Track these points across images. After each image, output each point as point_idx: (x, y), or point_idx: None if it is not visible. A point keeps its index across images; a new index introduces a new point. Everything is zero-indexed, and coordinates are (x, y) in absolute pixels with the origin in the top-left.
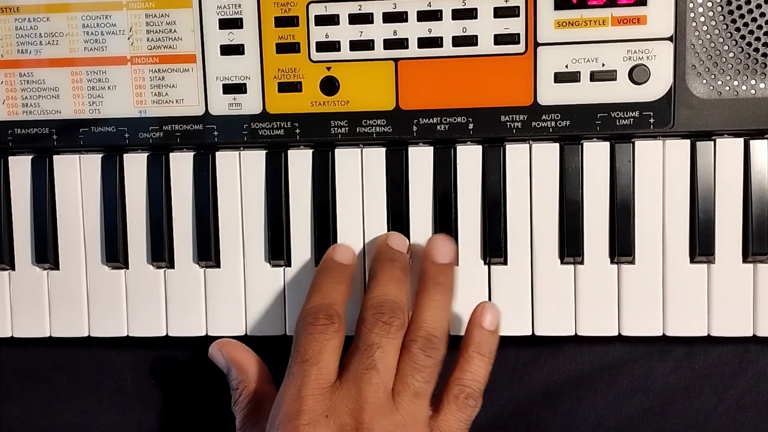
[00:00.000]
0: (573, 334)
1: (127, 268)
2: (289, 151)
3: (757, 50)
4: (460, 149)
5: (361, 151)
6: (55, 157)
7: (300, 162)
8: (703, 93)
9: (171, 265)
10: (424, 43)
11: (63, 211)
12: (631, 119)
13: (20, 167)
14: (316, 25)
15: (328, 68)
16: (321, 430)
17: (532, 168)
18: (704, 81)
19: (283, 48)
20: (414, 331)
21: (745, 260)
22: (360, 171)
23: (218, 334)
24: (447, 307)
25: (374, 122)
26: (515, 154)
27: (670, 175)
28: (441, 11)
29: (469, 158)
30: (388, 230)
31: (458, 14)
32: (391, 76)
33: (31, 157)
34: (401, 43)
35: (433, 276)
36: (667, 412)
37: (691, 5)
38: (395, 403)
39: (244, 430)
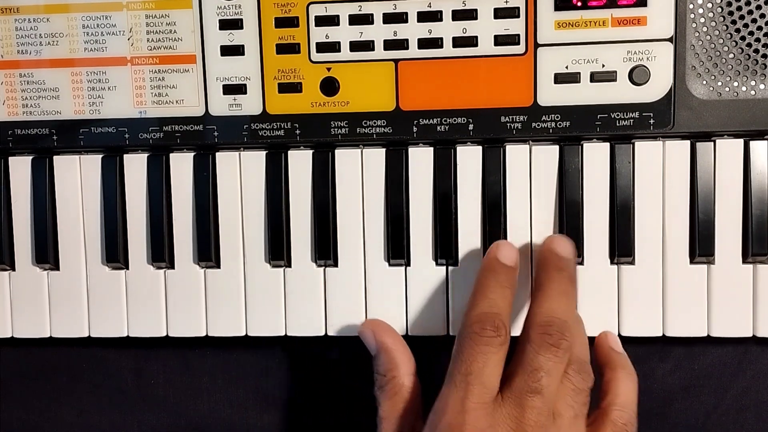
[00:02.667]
0: None
1: (128, 268)
2: (289, 152)
3: (757, 51)
4: (460, 150)
5: (361, 151)
6: (55, 157)
7: (300, 163)
8: (703, 94)
9: (171, 266)
10: (424, 43)
11: (63, 212)
12: (631, 120)
13: (20, 168)
14: (317, 25)
15: (329, 69)
16: None
17: (532, 169)
18: (704, 82)
19: (284, 49)
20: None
21: (744, 261)
22: (360, 172)
23: (218, 334)
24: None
25: (374, 123)
26: (515, 154)
27: (670, 176)
28: (441, 12)
29: (469, 159)
30: (388, 232)
31: (458, 15)
32: (391, 77)
33: (31, 157)
34: (401, 44)
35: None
36: (667, 412)
37: (691, 6)
38: (556, 425)
39: (388, 421)
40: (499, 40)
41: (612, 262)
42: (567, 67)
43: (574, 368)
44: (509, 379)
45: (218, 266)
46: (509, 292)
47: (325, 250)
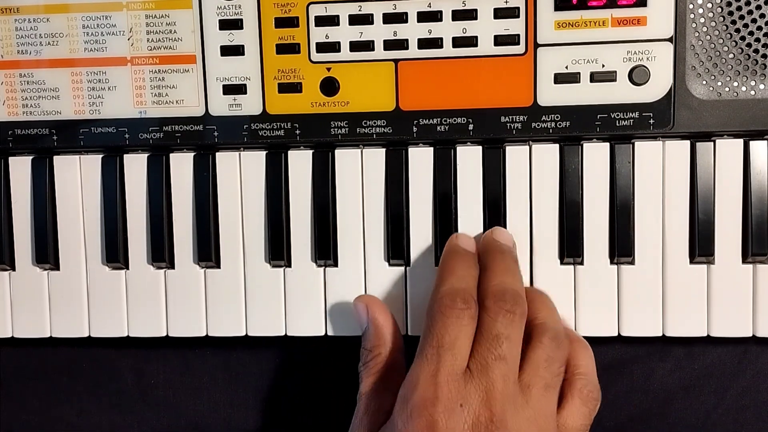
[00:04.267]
0: None
1: (128, 268)
2: (289, 152)
3: (756, 51)
4: (460, 150)
5: (361, 151)
6: (55, 157)
7: (300, 163)
8: (702, 94)
9: (171, 266)
10: (424, 44)
11: (63, 212)
12: (631, 120)
13: (20, 168)
14: (317, 25)
15: (329, 69)
16: (456, 418)
17: (532, 169)
18: (704, 82)
19: (284, 49)
20: (541, 324)
21: (744, 261)
22: (360, 172)
23: (218, 334)
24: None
25: (374, 123)
26: (515, 154)
27: (669, 176)
28: (441, 12)
29: (469, 159)
30: (388, 232)
31: (458, 15)
32: (391, 77)
33: (31, 157)
34: (401, 44)
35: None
36: (666, 412)
37: (691, 6)
38: (526, 396)
39: (368, 397)
40: (499, 40)
41: (612, 262)
42: (567, 67)
43: (549, 336)
44: (473, 352)
45: (218, 266)
46: (474, 272)
47: (325, 250)
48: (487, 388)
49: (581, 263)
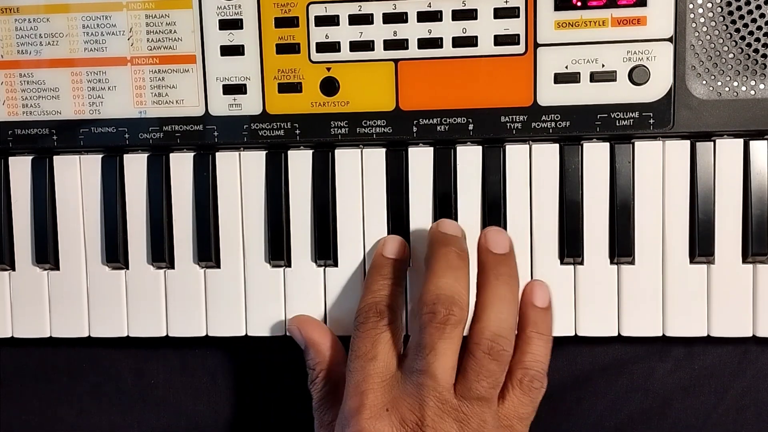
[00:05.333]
0: (573, 334)
1: (128, 268)
2: (289, 152)
3: (756, 51)
4: (460, 150)
5: (361, 151)
6: (55, 157)
7: (300, 162)
8: (702, 94)
9: (171, 266)
10: (424, 43)
11: (63, 212)
12: (631, 120)
13: (20, 168)
14: (316, 25)
15: (328, 69)
16: (382, 422)
17: (532, 169)
18: (704, 82)
19: (283, 49)
20: (478, 333)
21: (744, 261)
22: (360, 172)
23: (218, 334)
24: (512, 300)
25: (374, 123)
26: (515, 154)
27: (669, 176)
28: (441, 12)
29: (469, 159)
30: (389, 232)
31: (458, 15)
32: (391, 77)
33: (31, 157)
34: (401, 44)
35: (494, 267)
36: (666, 412)
37: (691, 6)
38: (459, 403)
39: (320, 412)
40: (499, 40)
41: (612, 262)
42: (567, 67)
43: (482, 349)
44: (404, 357)
45: (218, 266)
46: (391, 282)
47: (325, 250)
48: (416, 395)
49: (581, 263)
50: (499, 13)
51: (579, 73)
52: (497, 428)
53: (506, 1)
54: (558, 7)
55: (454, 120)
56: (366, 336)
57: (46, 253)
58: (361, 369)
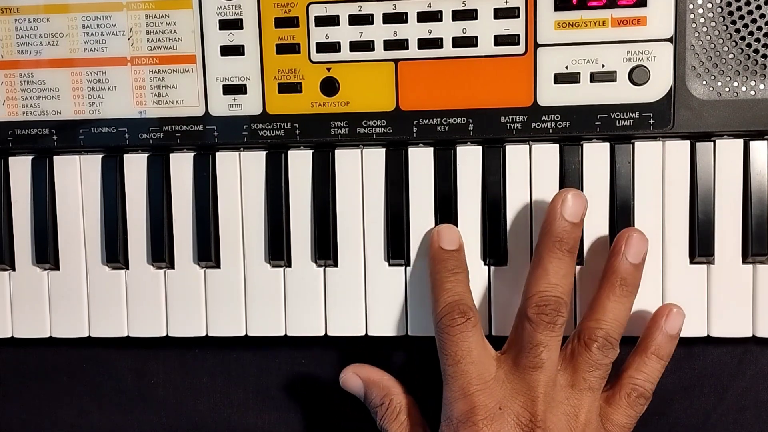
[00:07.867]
0: None
1: (128, 268)
2: (289, 152)
3: (756, 51)
4: (460, 150)
5: (361, 151)
6: (55, 157)
7: (300, 163)
8: (702, 94)
9: (171, 266)
10: (424, 44)
11: (63, 212)
12: (631, 120)
13: (20, 168)
14: (317, 25)
15: (328, 69)
16: (498, 422)
17: (532, 169)
18: (704, 82)
19: (283, 49)
20: (594, 329)
21: (744, 261)
22: (360, 172)
23: (218, 334)
24: (629, 309)
25: (374, 123)
26: (515, 154)
27: (669, 176)
28: (441, 12)
29: (469, 159)
30: (388, 232)
31: (458, 15)
32: (391, 77)
33: (31, 157)
34: (401, 44)
35: (623, 275)
36: (667, 412)
37: (691, 6)
38: (569, 395)
39: None
40: (499, 40)
41: None
42: (567, 67)
43: (597, 345)
44: (511, 357)
45: (218, 266)
46: (463, 276)
47: (325, 250)
48: (527, 392)
49: (581, 263)
50: (499, 14)
51: (579, 73)
52: (599, 429)
53: (506, 2)
54: (558, 7)
55: (454, 120)
56: (456, 339)
57: (46, 253)
58: (462, 373)
